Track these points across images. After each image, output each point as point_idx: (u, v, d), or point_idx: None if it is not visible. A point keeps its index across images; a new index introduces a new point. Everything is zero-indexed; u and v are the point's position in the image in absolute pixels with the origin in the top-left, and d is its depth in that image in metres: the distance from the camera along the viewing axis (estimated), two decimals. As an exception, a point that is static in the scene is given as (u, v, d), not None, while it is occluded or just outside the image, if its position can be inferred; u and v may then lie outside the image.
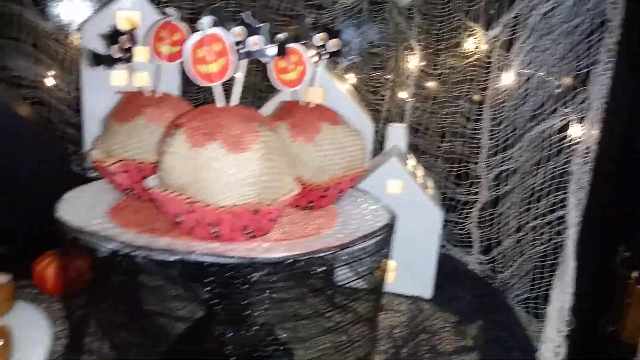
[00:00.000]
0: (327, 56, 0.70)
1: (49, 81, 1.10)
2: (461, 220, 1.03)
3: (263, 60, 0.62)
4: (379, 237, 0.64)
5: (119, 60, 0.65)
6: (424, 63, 1.14)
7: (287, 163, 0.60)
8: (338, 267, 0.66)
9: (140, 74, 0.90)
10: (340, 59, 0.70)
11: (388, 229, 0.65)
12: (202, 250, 0.54)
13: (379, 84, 1.25)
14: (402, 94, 1.18)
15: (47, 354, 0.55)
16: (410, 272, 0.94)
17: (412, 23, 1.15)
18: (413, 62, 1.16)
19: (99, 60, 0.64)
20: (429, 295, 0.95)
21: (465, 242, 1.04)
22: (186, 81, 0.82)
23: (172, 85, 0.76)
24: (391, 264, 0.96)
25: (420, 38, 1.13)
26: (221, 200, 0.54)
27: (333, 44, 0.70)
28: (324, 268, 0.62)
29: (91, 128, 0.91)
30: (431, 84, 1.13)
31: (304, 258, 0.55)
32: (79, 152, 0.96)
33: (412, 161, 0.98)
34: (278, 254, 0.54)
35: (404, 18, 1.17)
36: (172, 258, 0.52)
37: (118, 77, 0.90)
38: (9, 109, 0.83)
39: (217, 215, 0.54)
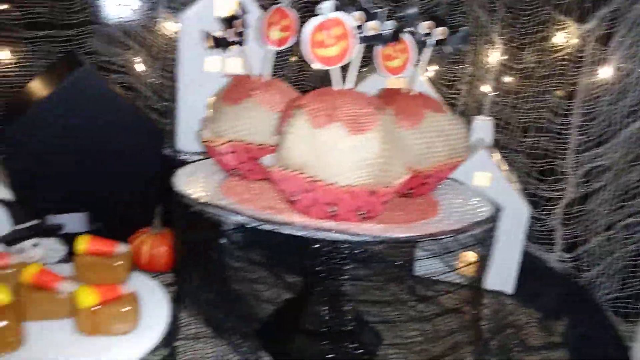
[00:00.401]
0: (433, 45, 0.71)
1: (137, 67, 1.14)
2: (543, 217, 1.02)
3: (378, 45, 0.63)
4: (486, 227, 0.63)
5: (233, 43, 0.67)
6: (505, 57, 1.13)
7: (399, 148, 0.61)
8: (444, 254, 0.67)
9: (233, 59, 0.93)
10: (446, 47, 0.69)
11: (493, 220, 0.65)
12: (326, 227, 0.55)
13: (456, 78, 1.24)
14: (482, 88, 1.16)
15: (169, 318, 0.57)
16: (494, 267, 0.93)
17: (495, 16, 1.14)
18: (494, 56, 1.15)
19: (216, 42, 0.66)
20: (511, 291, 0.94)
21: (546, 240, 1.03)
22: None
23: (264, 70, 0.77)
24: (472, 256, 0.95)
25: (503, 32, 1.12)
26: (340, 180, 0.55)
27: (439, 32, 0.70)
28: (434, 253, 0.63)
29: (185, 111, 0.94)
30: (513, 79, 1.12)
31: (424, 239, 0.55)
32: (170, 136, 0.99)
33: (497, 155, 0.98)
34: (398, 234, 0.55)
35: (485, 11, 1.16)
36: (301, 233, 0.53)
37: (212, 63, 0.92)
38: (110, 92, 0.86)
39: (336, 194, 0.55)
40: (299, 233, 0.53)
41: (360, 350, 0.72)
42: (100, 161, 0.87)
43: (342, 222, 0.58)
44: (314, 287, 0.71)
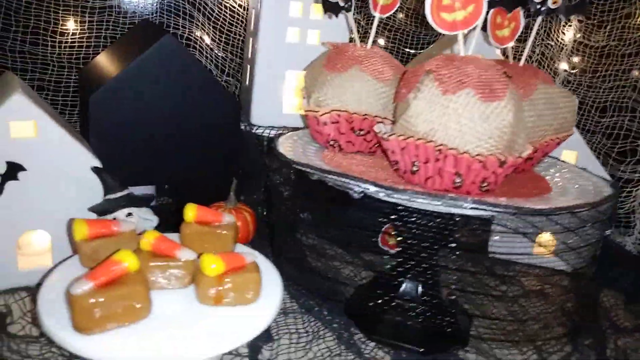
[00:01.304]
0: (545, 13, 0.68)
1: (202, 40, 1.12)
2: (621, 199, 0.99)
3: (507, 8, 0.61)
4: (606, 205, 0.61)
5: (343, 8, 0.65)
6: (580, 35, 1.09)
7: (523, 119, 0.58)
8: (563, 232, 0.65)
9: (313, 31, 0.90)
10: (561, 16, 0.67)
11: (616, 197, 0.63)
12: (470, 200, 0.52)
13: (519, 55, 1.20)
14: (556, 66, 1.13)
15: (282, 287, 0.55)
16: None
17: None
18: (568, 34, 1.11)
19: (327, 7, 0.64)
20: (590, 274, 0.92)
21: (624, 222, 1.00)
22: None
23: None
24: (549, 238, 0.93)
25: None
26: (471, 149, 0.53)
27: (553, 2, 0.67)
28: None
29: (260, 84, 0.91)
30: (589, 57, 1.08)
31: (561, 212, 0.53)
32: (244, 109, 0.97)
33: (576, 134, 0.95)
34: (540, 205, 0.52)
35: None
36: (436, 203, 0.51)
37: (293, 33, 0.90)
38: (194, 62, 0.84)
39: (467, 163, 0.53)
40: (436, 203, 0.51)
41: (454, 329, 0.70)
42: (179, 133, 0.85)
43: (462, 194, 0.55)
44: (408, 262, 0.69)
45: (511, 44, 0.69)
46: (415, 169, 0.57)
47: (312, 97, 0.68)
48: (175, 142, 0.86)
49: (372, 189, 0.52)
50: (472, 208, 0.50)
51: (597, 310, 0.82)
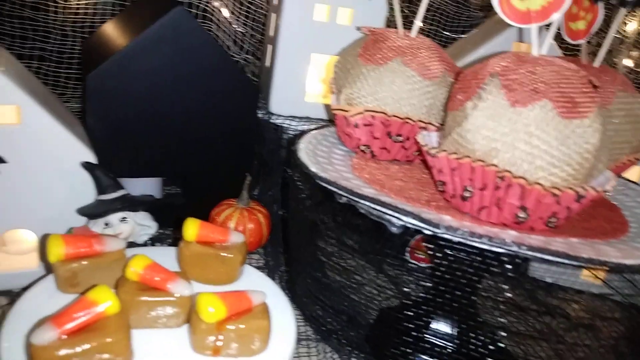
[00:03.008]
0: (630, 6, 0.55)
1: (220, 13, 1.00)
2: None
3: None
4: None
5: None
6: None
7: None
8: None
9: (343, 9, 0.78)
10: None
11: None
12: (516, 239, 0.41)
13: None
14: (616, 60, 1.00)
15: (295, 333, 0.46)
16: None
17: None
18: (630, 25, 0.98)
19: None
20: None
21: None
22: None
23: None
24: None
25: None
26: (543, 178, 0.42)
27: (642, -11, 0.55)
28: None
29: (283, 68, 0.80)
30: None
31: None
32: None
33: None
34: (618, 260, 0.41)
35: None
36: (496, 249, 0.40)
37: (321, 11, 0.78)
38: (208, 39, 0.73)
39: (537, 197, 0.42)
40: (496, 249, 0.40)
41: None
42: (188, 118, 0.75)
43: (523, 232, 0.44)
44: (442, 296, 0.58)
45: (586, 39, 0.57)
46: (467, 195, 0.46)
47: (342, 92, 0.57)
48: (184, 130, 0.76)
49: (418, 225, 0.41)
50: (546, 261, 0.39)
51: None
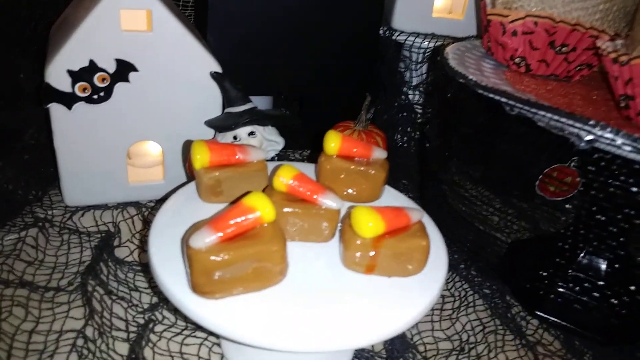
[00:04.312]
0: None
1: None
2: None
3: None
4: None
5: None
6: None
7: None
8: None
9: None
10: None
11: None
12: None
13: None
14: None
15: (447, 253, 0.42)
16: None
17: None
18: None
19: None
20: None
21: None
22: None
23: None
24: None
25: None
26: None
27: None
28: None
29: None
30: None
31: None
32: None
33: None
34: None
35: None
36: None
37: None
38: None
39: None
40: None
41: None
42: (308, 34, 0.71)
43: None
44: (594, 229, 0.52)
45: None
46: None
47: (500, -5, 0.50)
48: (303, 47, 0.72)
49: (615, 139, 0.35)
50: None
51: None
